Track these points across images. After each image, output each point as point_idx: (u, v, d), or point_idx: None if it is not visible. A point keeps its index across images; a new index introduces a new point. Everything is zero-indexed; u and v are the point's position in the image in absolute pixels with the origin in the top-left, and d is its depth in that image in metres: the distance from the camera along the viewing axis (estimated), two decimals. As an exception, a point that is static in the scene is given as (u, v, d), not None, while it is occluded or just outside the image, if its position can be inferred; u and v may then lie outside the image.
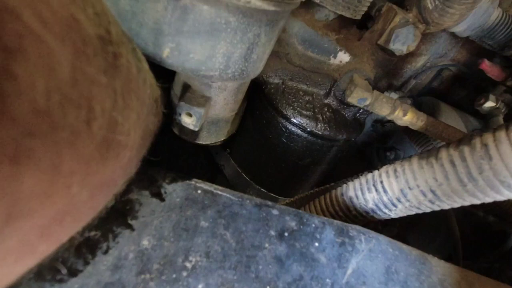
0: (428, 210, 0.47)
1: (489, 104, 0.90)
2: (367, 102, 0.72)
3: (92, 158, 0.19)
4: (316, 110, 0.76)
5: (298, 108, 0.74)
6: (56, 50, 0.15)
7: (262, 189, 0.88)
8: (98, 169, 0.21)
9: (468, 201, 0.42)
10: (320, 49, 0.73)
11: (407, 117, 0.75)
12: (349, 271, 0.40)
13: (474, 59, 0.99)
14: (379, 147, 1.11)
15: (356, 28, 0.76)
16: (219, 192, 0.43)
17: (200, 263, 0.36)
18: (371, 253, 0.43)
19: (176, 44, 0.42)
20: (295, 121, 0.74)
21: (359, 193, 0.53)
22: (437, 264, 0.45)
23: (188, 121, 0.56)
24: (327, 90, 0.78)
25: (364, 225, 0.47)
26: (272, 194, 0.89)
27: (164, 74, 0.58)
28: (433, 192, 0.44)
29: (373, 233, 0.45)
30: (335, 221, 0.44)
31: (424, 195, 0.45)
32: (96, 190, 0.23)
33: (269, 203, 0.44)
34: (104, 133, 0.20)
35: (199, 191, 0.42)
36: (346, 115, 0.81)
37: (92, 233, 0.35)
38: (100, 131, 0.19)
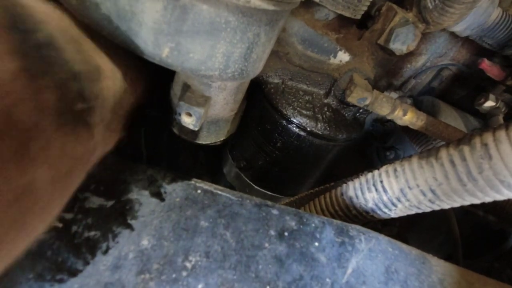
0: (428, 210, 0.47)
1: (489, 103, 0.90)
2: (367, 102, 0.72)
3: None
4: (316, 110, 0.76)
5: (298, 108, 0.74)
6: None
7: (262, 190, 0.88)
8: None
9: (468, 200, 0.42)
10: (320, 49, 0.72)
11: (407, 117, 0.75)
12: (349, 271, 0.40)
13: (474, 58, 0.99)
14: (379, 147, 1.11)
15: (356, 27, 0.76)
16: (219, 192, 0.42)
17: (200, 263, 0.36)
18: (371, 253, 0.43)
19: (176, 44, 0.42)
20: (295, 120, 0.74)
21: (359, 193, 0.52)
22: (437, 264, 0.45)
23: (188, 121, 0.56)
24: (327, 90, 0.78)
25: (364, 225, 0.47)
26: (272, 194, 0.89)
27: (164, 74, 0.58)
28: (433, 191, 0.44)
29: (373, 233, 0.45)
30: (335, 221, 0.44)
31: (424, 194, 0.45)
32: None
33: (269, 203, 0.43)
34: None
35: (199, 191, 0.42)
36: (346, 114, 0.81)
37: (92, 233, 0.35)
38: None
